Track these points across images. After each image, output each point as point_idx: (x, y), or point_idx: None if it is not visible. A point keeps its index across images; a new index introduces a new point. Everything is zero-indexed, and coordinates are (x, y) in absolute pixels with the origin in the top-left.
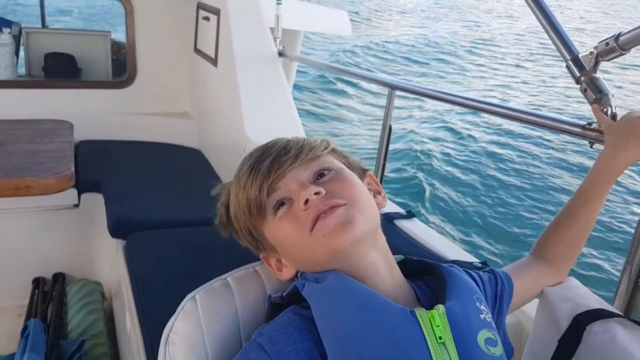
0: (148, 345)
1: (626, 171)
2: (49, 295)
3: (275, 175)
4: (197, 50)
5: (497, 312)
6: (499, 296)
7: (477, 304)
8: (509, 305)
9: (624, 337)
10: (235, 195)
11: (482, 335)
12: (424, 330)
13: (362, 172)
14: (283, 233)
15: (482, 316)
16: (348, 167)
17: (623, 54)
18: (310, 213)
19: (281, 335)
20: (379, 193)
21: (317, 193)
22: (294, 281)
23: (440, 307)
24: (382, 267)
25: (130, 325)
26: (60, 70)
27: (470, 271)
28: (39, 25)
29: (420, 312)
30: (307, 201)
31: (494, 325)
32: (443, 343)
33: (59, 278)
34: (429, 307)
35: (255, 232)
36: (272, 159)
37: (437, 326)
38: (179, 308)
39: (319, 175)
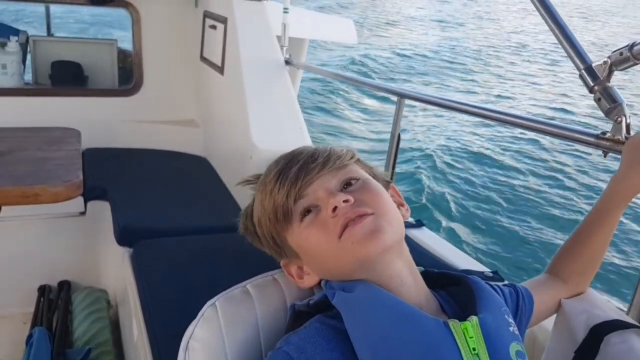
0: (156, 353)
1: None
2: (54, 303)
3: (303, 182)
4: (203, 59)
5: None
6: (520, 311)
7: (506, 316)
8: (529, 321)
9: None
10: (260, 202)
11: (513, 348)
12: (458, 341)
13: (386, 184)
14: (310, 240)
15: (511, 329)
16: (373, 178)
17: (637, 64)
18: (339, 220)
19: (309, 344)
20: (402, 205)
21: (345, 201)
22: (314, 289)
23: (474, 319)
24: (406, 277)
25: (137, 333)
26: (67, 78)
27: (492, 284)
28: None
29: (454, 324)
30: (335, 208)
31: (521, 338)
32: (477, 354)
33: (65, 286)
34: (456, 318)
35: (278, 239)
36: (300, 166)
37: (471, 337)
38: (199, 314)
39: (346, 184)
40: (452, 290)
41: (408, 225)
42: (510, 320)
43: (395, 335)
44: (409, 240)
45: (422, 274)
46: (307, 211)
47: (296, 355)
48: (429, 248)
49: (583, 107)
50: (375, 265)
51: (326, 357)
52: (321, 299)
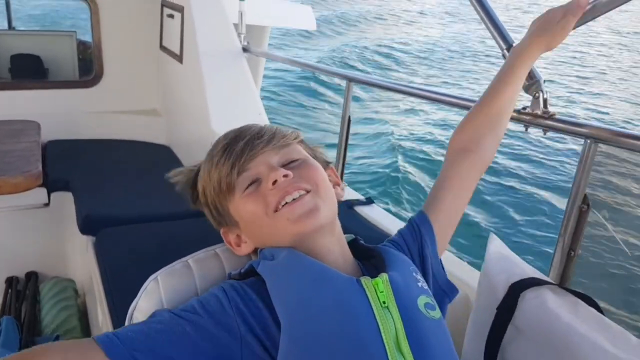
0: None
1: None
2: (22, 294)
3: (247, 156)
4: (163, 48)
5: (423, 255)
6: (421, 243)
7: (414, 274)
8: (434, 239)
9: (553, 302)
10: (207, 172)
11: (422, 300)
12: (369, 295)
13: (325, 164)
14: (247, 209)
15: (419, 284)
16: (314, 158)
17: None
18: (277, 193)
19: (239, 286)
20: (338, 184)
21: (285, 176)
22: (251, 256)
23: (384, 275)
24: (334, 249)
25: (102, 319)
26: (27, 71)
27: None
28: (6, 27)
29: (365, 280)
30: (275, 182)
31: (430, 292)
32: (387, 307)
33: (32, 277)
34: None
35: (220, 208)
36: (246, 142)
37: (381, 292)
38: (142, 288)
39: (288, 162)
40: (375, 260)
41: (359, 202)
42: (419, 277)
43: (308, 295)
44: (358, 217)
45: (352, 242)
46: (250, 184)
47: (227, 286)
48: (377, 223)
49: None
50: (307, 240)
51: (254, 298)
52: (249, 268)
